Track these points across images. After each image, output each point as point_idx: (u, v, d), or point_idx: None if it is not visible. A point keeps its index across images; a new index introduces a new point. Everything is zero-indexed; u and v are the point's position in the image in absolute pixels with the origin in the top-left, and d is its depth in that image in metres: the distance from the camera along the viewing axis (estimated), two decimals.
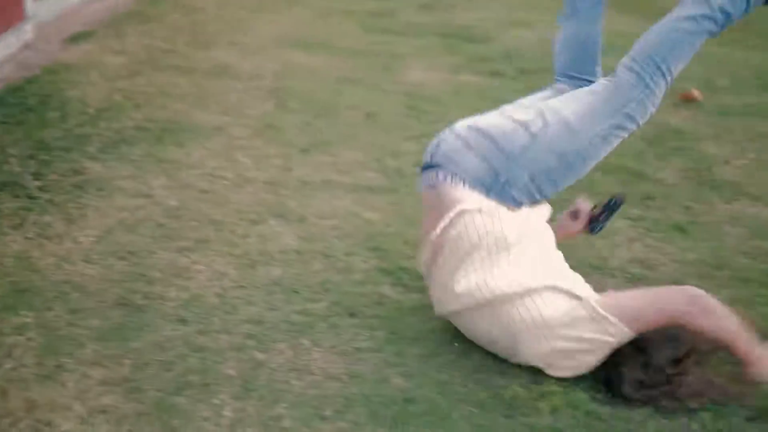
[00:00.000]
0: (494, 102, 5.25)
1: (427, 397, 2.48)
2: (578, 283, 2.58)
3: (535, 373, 2.61)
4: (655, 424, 2.38)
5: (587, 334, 2.45)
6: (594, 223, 2.92)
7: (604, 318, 2.43)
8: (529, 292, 2.49)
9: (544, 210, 2.70)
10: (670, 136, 4.74)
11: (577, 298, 2.47)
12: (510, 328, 2.53)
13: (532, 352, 2.53)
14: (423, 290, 3.08)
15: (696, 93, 5.36)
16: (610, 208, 2.90)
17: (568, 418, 2.41)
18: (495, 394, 2.51)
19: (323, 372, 2.59)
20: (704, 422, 2.40)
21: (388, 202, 3.86)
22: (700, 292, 2.42)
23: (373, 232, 3.53)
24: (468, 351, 2.72)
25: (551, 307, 2.48)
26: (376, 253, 3.36)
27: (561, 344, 2.48)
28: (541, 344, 2.50)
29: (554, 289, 2.49)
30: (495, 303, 2.53)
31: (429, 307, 2.96)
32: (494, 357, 2.68)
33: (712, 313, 2.40)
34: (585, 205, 2.99)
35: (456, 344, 2.76)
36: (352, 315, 2.91)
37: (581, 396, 2.49)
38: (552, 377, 2.58)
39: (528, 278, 2.50)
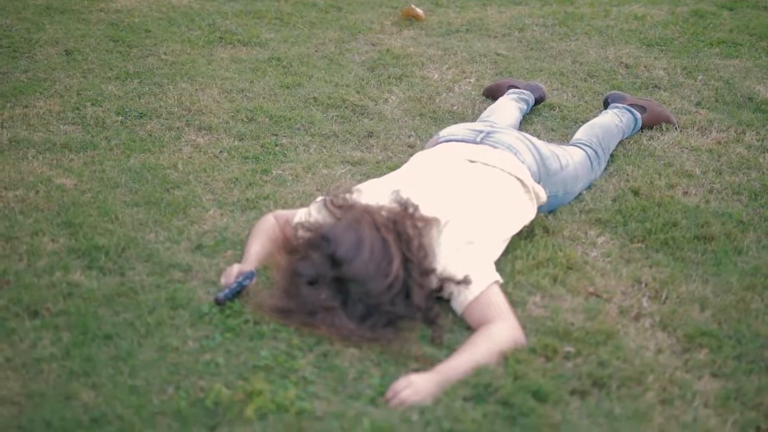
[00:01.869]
0: (210, 30, 4.96)
1: (117, 414, 2.18)
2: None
3: (240, 366, 2.37)
4: (368, 420, 2.19)
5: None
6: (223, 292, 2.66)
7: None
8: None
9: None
10: (392, 61, 4.55)
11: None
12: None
13: None
14: (122, 272, 2.76)
15: (419, 11, 5.19)
16: (240, 284, 2.66)
17: (279, 423, 2.19)
18: (196, 401, 2.25)
19: None
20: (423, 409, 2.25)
21: (86, 161, 3.45)
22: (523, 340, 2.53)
23: (66, 202, 3.13)
24: (166, 346, 2.43)
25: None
26: (67, 229, 2.97)
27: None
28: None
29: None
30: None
31: (127, 293, 2.65)
32: (197, 353, 2.41)
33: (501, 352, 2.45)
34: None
35: (156, 338, 2.46)
36: (34, 315, 2.54)
37: (290, 393, 2.27)
38: (260, 369, 2.35)
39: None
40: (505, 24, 5.11)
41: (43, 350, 2.40)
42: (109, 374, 2.32)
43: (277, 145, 3.64)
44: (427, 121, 3.91)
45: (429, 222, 2.62)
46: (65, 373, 2.32)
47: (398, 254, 2.50)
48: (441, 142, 3.17)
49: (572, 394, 2.32)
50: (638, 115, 3.73)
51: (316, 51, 4.69)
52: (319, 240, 2.54)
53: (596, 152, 3.40)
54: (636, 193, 3.30)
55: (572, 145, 3.43)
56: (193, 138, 3.68)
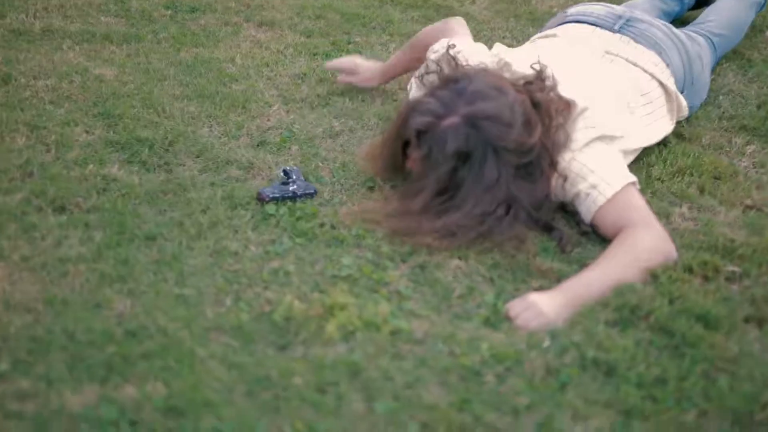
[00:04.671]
0: None
1: (160, 326, 1.69)
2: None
3: (316, 276, 1.86)
4: (487, 344, 1.68)
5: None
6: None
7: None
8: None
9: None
10: None
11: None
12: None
13: None
14: (169, 168, 2.26)
15: None
16: (294, 194, 2.14)
17: (369, 343, 1.68)
18: (261, 315, 1.75)
19: (8, 302, 1.73)
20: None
21: (130, 53, 2.94)
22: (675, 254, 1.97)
23: (105, 93, 2.63)
24: (222, 251, 1.93)
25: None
26: (105, 120, 2.47)
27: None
28: None
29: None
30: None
31: (174, 190, 2.15)
32: (261, 260, 1.91)
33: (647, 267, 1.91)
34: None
35: (210, 241, 1.96)
36: (60, 210, 2.05)
37: (383, 308, 1.75)
38: (342, 280, 1.85)
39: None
40: None
41: (69, 250, 1.90)
42: (151, 280, 1.83)
43: (350, 43, 3.11)
44: (524, 23, 3.35)
45: (567, 104, 2.08)
46: (95, 277, 1.82)
47: (539, 125, 1.99)
48: (569, 22, 2.60)
49: (747, 321, 1.78)
50: None
51: None
52: (451, 77, 2.08)
53: (717, 50, 2.82)
54: None
55: (699, 33, 2.80)
56: (253, 33, 3.16)
